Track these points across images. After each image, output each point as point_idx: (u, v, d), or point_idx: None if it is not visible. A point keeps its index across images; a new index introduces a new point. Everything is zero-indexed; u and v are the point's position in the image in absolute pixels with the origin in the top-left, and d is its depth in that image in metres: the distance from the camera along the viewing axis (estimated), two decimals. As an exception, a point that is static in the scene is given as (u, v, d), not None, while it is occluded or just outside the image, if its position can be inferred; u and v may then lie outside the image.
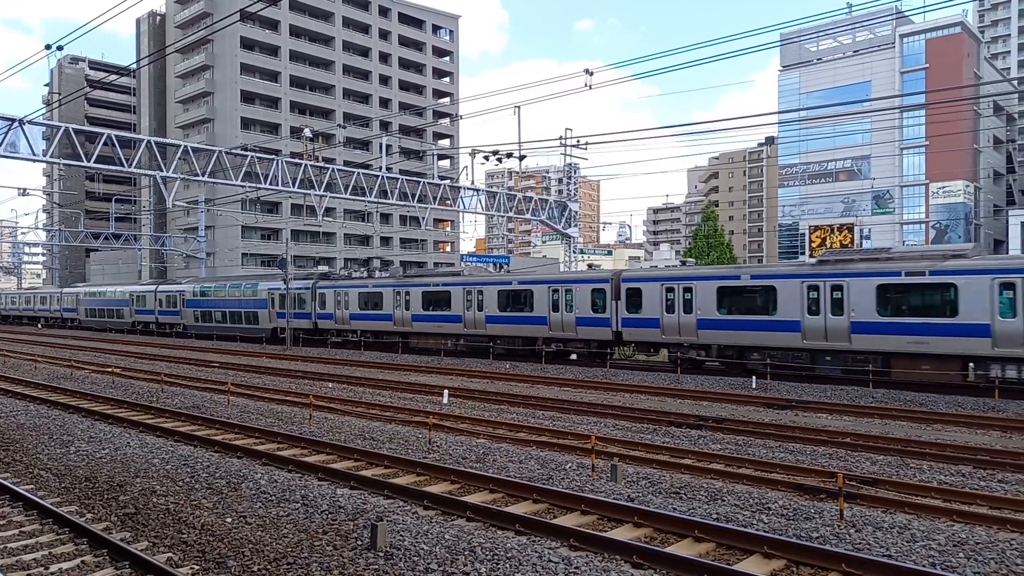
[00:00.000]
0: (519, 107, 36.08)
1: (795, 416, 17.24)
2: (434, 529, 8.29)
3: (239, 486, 10.31)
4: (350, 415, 17.03)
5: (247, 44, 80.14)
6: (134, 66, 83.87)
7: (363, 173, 34.62)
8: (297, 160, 33.94)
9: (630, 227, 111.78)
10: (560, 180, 66.25)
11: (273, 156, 33.38)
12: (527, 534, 8.22)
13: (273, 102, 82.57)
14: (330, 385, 23.45)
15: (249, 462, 12.02)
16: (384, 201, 35.33)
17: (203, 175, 29.66)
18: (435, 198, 35.65)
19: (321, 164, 34.02)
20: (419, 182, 36.47)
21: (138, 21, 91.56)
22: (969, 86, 67.21)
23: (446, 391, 19.65)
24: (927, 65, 71.18)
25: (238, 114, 79.19)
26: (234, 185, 31.53)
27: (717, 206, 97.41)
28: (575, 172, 43.34)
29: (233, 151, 33.35)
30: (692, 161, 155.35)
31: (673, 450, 12.96)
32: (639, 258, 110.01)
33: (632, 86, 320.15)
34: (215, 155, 30.28)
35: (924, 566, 7.19)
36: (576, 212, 42.32)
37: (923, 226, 71.83)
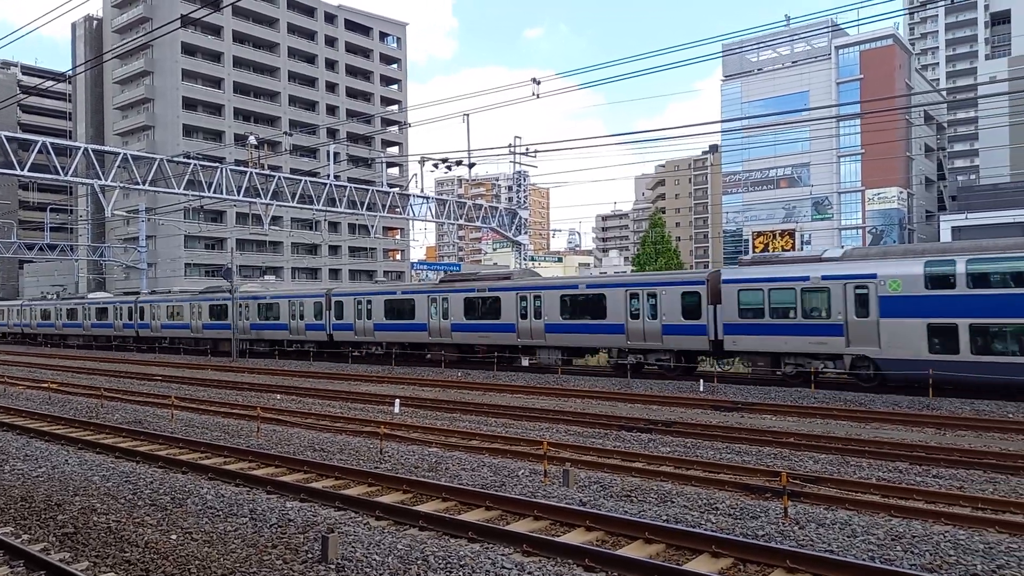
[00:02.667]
0: (468, 115, 36.16)
1: (741, 418, 17.63)
2: (386, 539, 8.23)
3: (184, 502, 10.06)
4: (299, 427, 16.76)
5: (188, 50, 78.43)
6: (70, 72, 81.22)
7: (310, 181, 34.20)
8: (242, 168, 33.33)
9: (579, 234, 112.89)
10: (510, 188, 66.58)
11: (217, 164, 32.72)
12: (480, 541, 8.23)
13: (216, 109, 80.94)
14: (278, 397, 23.04)
15: (194, 477, 11.74)
16: (332, 209, 34.96)
17: (144, 184, 28.88)
18: (384, 206, 35.41)
19: (267, 172, 33.47)
20: (368, 190, 36.20)
21: (74, 25, 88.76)
22: (901, 96, 69.92)
23: (397, 400, 19.51)
24: (862, 76, 73.82)
25: (180, 121, 77.39)
26: (176, 194, 30.78)
27: (664, 213, 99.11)
28: (525, 180, 43.62)
29: (175, 159, 32.57)
30: (639, 168, 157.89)
31: (624, 454, 13.12)
32: (589, 265, 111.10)
33: (580, 94, 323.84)
34: (156, 163, 29.53)
35: (864, 560, 7.44)
36: (526, 219, 42.57)
37: (860, 231, 74.31)
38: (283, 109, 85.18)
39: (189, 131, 78.38)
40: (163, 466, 12.66)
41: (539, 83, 27.86)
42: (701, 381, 22.93)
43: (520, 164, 41.78)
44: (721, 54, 78.06)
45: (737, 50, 77.64)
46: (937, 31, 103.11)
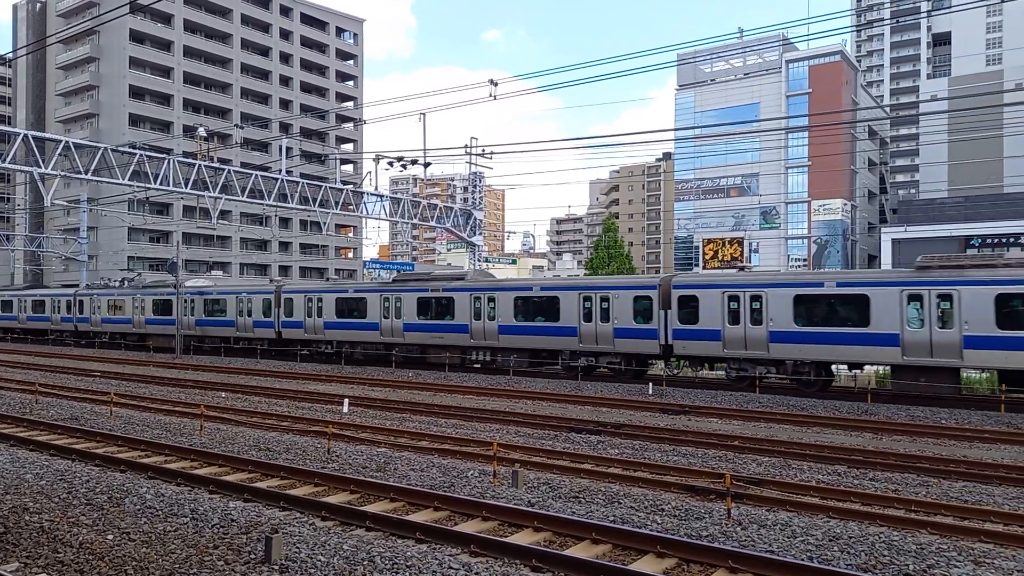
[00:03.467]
0: (424, 114, 36.01)
1: (688, 421, 17.92)
2: (332, 540, 8.12)
3: (122, 501, 9.76)
4: (244, 425, 16.43)
5: (137, 37, 76.27)
6: (10, 55, 78.17)
7: (261, 176, 33.58)
8: (190, 160, 32.54)
9: (534, 236, 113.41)
10: (465, 188, 66.46)
11: (164, 155, 31.88)
12: (428, 542, 8.18)
13: (165, 99, 78.88)
14: (223, 395, 22.54)
15: (133, 476, 11.40)
16: (283, 205, 34.40)
17: (86, 173, 27.95)
18: (337, 203, 34.99)
19: (216, 165, 32.77)
20: (321, 186, 35.71)
21: (15, 7, 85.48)
22: (847, 111, 72.12)
23: (346, 400, 19.28)
24: (810, 90, 75.90)
25: (126, 110, 75.17)
26: (121, 184, 29.89)
27: (618, 218, 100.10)
28: (480, 181, 43.60)
29: (120, 148, 31.59)
30: (594, 173, 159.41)
31: (573, 455, 13.21)
32: (543, 267, 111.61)
33: (538, 98, 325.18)
34: (100, 152, 28.61)
35: (802, 560, 7.63)
36: (481, 220, 42.55)
37: (806, 241, 76.32)
38: (235, 101, 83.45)
39: (135, 120, 76.18)
40: (100, 464, 12.26)
41: (496, 84, 27.93)
42: (650, 384, 23.24)
43: (476, 165, 41.77)
44: (676, 63, 79.37)
45: (691, 60, 79.03)
46: (883, 49, 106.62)
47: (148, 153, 30.64)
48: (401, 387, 24.57)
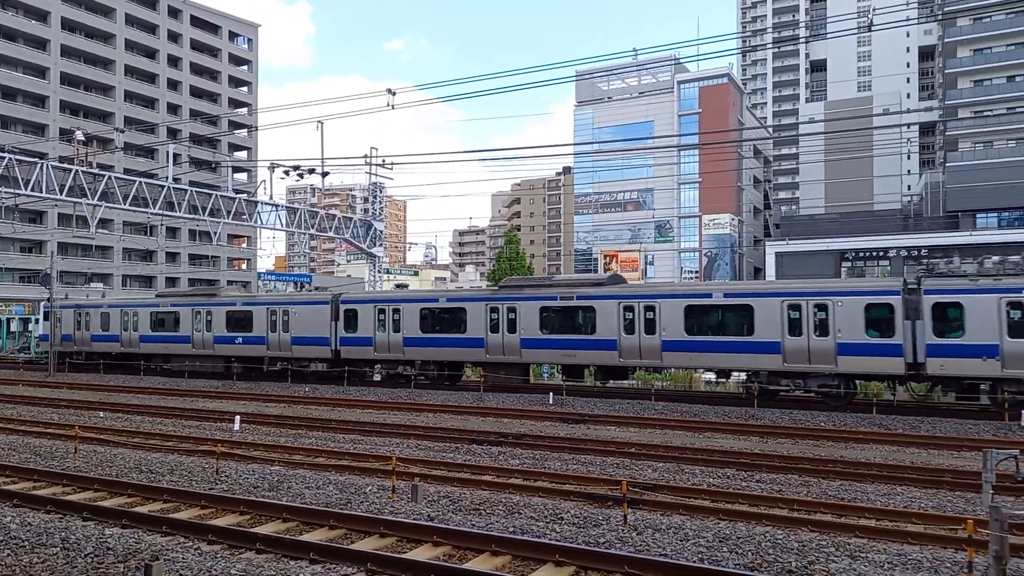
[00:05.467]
0: (322, 122, 35.19)
1: (587, 429, 18.23)
2: (219, 564, 7.72)
3: (-19, 534, 8.93)
4: (125, 446, 15.44)
5: (8, 34, 71.02)
6: None
7: (146, 183, 31.87)
8: (66, 165, 30.50)
9: (436, 248, 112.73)
10: (366, 199, 65.48)
11: (38, 160, 29.74)
12: (322, 562, 7.91)
13: (39, 100, 73.71)
14: (101, 414, 21.14)
15: (-4, 506, 10.47)
16: (170, 214, 32.76)
17: (-55, 176, 25.69)
18: (229, 212, 33.65)
19: (95, 171, 30.83)
20: (212, 194, 34.26)
21: None
22: (734, 130, 75.89)
23: (238, 417, 18.47)
24: (700, 110, 79.43)
25: (-6, 110, 69.73)
26: (-14, 190, 27.63)
27: (519, 230, 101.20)
28: (381, 191, 43.03)
29: (-14, 151, 29.21)
30: (496, 186, 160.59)
31: (474, 467, 13.16)
32: (445, 279, 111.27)
33: (440, 109, 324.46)
34: (-38, 154, 26.36)
35: (694, 562, 7.86)
36: (381, 231, 41.97)
37: (697, 254, 79.57)
38: (118, 104, 78.93)
39: (6, 122, 70.80)
40: (-43, 494, 11.19)
41: (394, 94, 27.65)
42: (551, 394, 23.50)
43: (376, 175, 41.20)
44: (575, 78, 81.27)
45: (589, 76, 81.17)
46: (766, 73, 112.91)
47: (19, 157, 28.48)
48: (297, 402, 23.80)
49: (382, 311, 27.82)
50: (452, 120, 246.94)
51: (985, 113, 64.34)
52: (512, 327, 25.38)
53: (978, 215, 59.70)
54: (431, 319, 27.18)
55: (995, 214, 59.43)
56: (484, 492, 11.36)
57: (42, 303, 40.49)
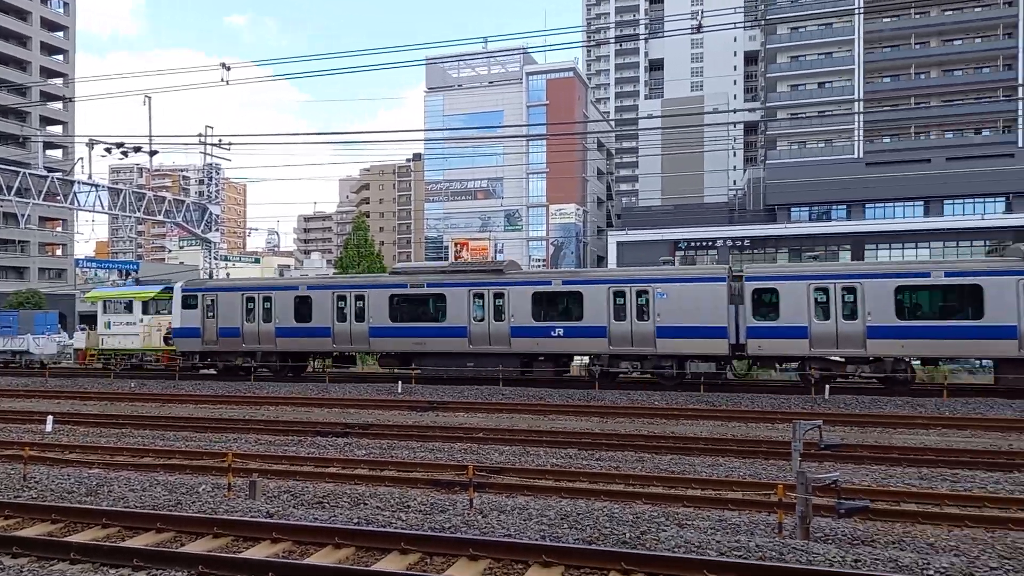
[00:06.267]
0: (150, 96, 32.51)
1: (436, 417, 18.25)
2: (25, 580, 6.98)
3: None
4: (-90, 456, 13.58)
5: None
6: None
7: (-63, 156, 28.08)
8: None
9: (279, 234, 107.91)
10: (201, 181, 61.47)
11: None
12: (147, 568, 7.36)
13: None
14: None
15: None
16: (-32, 193, 29.09)
17: None
18: (41, 192, 30.38)
19: None
20: (19, 172, 30.76)
21: None
22: (579, 123, 78.52)
23: (50, 417, 16.79)
24: (548, 102, 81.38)
25: None
26: None
27: (368, 216, 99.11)
28: (217, 173, 40.56)
29: None
30: (344, 170, 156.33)
31: (318, 460, 12.79)
32: (289, 266, 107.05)
33: (286, 91, 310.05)
34: None
35: (536, 540, 8.08)
36: (218, 216, 39.56)
37: (544, 243, 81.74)
38: (-100, 66, 68.95)
39: None
40: None
41: (229, 68, 26.09)
42: (399, 383, 23.29)
43: (212, 156, 38.71)
44: (425, 62, 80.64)
45: (439, 61, 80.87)
46: (609, 69, 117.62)
47: None
48: (122, 399, 22.06)
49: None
50: (298, 101, 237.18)
51: (799, 115, 70.74)
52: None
53: (792, 209, 65.59)
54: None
55: (807, 208, 65.53)
56: (328, 485, 11.08)
57: (179, 284, 28.80)
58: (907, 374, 20.73)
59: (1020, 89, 60.88)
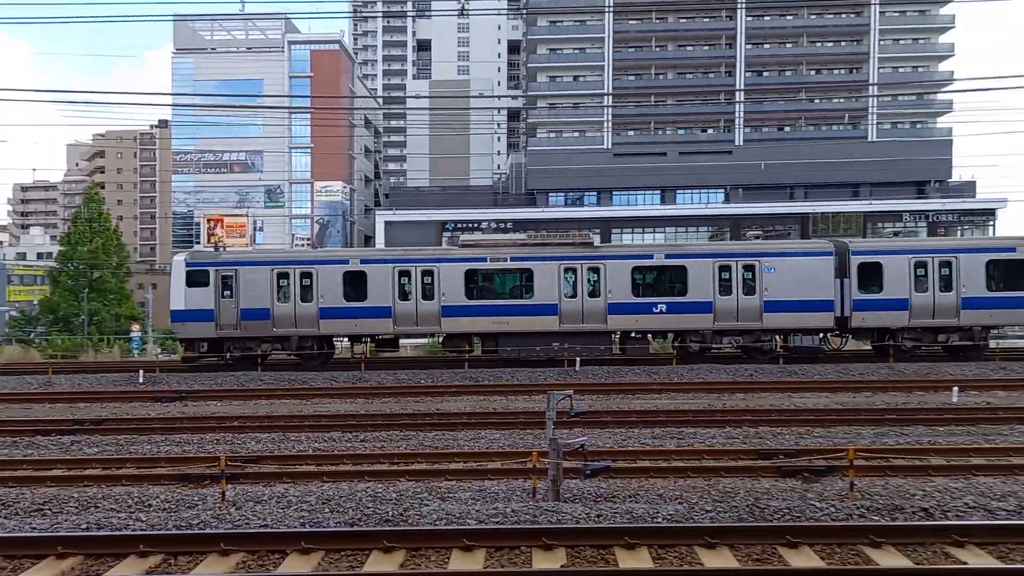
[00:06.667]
0: None
1: (185, 407, 16.90)
2: None
3: None
4: None
5: None
6: None
7: None
8: None
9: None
10: None
11: None
12: None
13: None
14: None
15: None
16: None
17: None
18: None
19: None
20: None
21: None
22: (345, 98, 76.47)
23: None
24: (312, 74, 78.11)
25: None
26: None
27: (104, 188, 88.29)
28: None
29: None
30: (73, 134, 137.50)
31: (37, 462, 11.24)
32: (3, 242, 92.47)
33: (11, 41, 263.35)
34: None
35: (294, 527, 7.78)
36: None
37: (309, 220, 78.82)
38: None
39: None
40: None
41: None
42: (141, 372, 21.19)
43: None
44: (173, 18, 73.47)
45: (189, 19, 74.17)
46: (376, 45, 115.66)
47: None
48: None
49: None
50: (16, 52, 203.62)
51: (556, 106, 75.02)
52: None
53: (550, 194, 69.61)
54: None
55: (562, 194, 69.90)
56: (51, 489, 9.78)
57: (180, 256, 23.59)
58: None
59: (738, 93, 69.86)
